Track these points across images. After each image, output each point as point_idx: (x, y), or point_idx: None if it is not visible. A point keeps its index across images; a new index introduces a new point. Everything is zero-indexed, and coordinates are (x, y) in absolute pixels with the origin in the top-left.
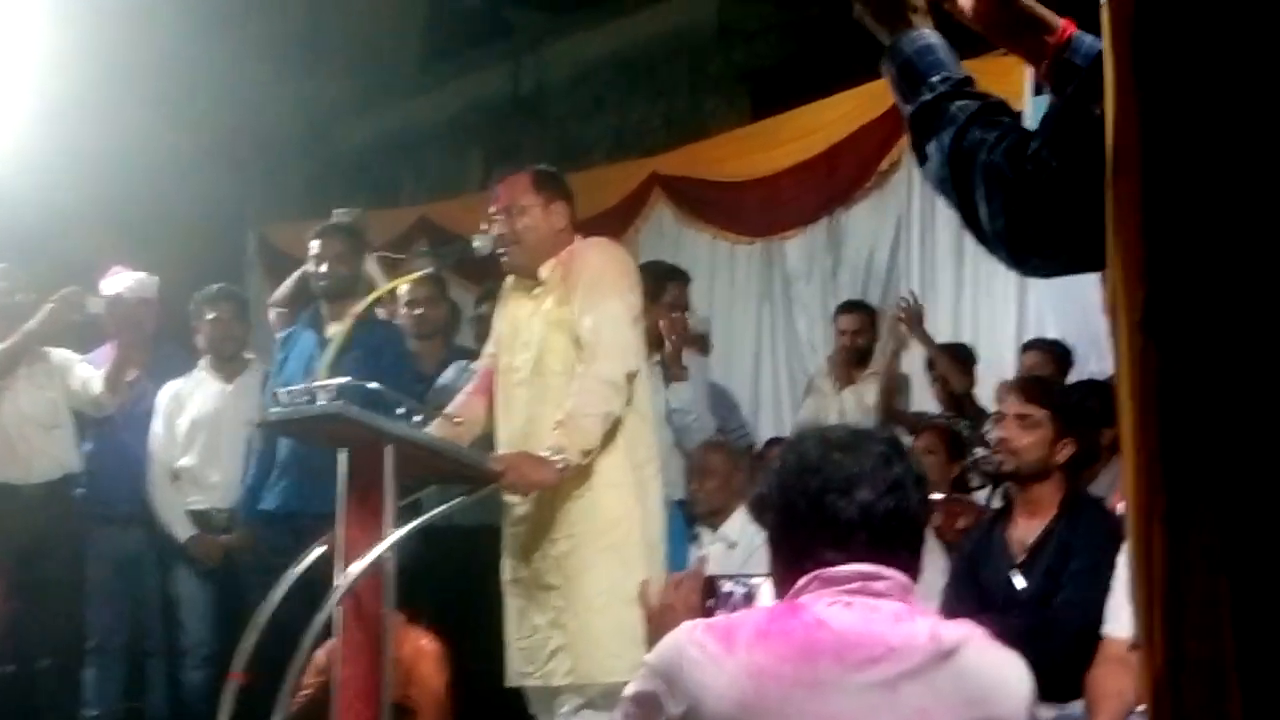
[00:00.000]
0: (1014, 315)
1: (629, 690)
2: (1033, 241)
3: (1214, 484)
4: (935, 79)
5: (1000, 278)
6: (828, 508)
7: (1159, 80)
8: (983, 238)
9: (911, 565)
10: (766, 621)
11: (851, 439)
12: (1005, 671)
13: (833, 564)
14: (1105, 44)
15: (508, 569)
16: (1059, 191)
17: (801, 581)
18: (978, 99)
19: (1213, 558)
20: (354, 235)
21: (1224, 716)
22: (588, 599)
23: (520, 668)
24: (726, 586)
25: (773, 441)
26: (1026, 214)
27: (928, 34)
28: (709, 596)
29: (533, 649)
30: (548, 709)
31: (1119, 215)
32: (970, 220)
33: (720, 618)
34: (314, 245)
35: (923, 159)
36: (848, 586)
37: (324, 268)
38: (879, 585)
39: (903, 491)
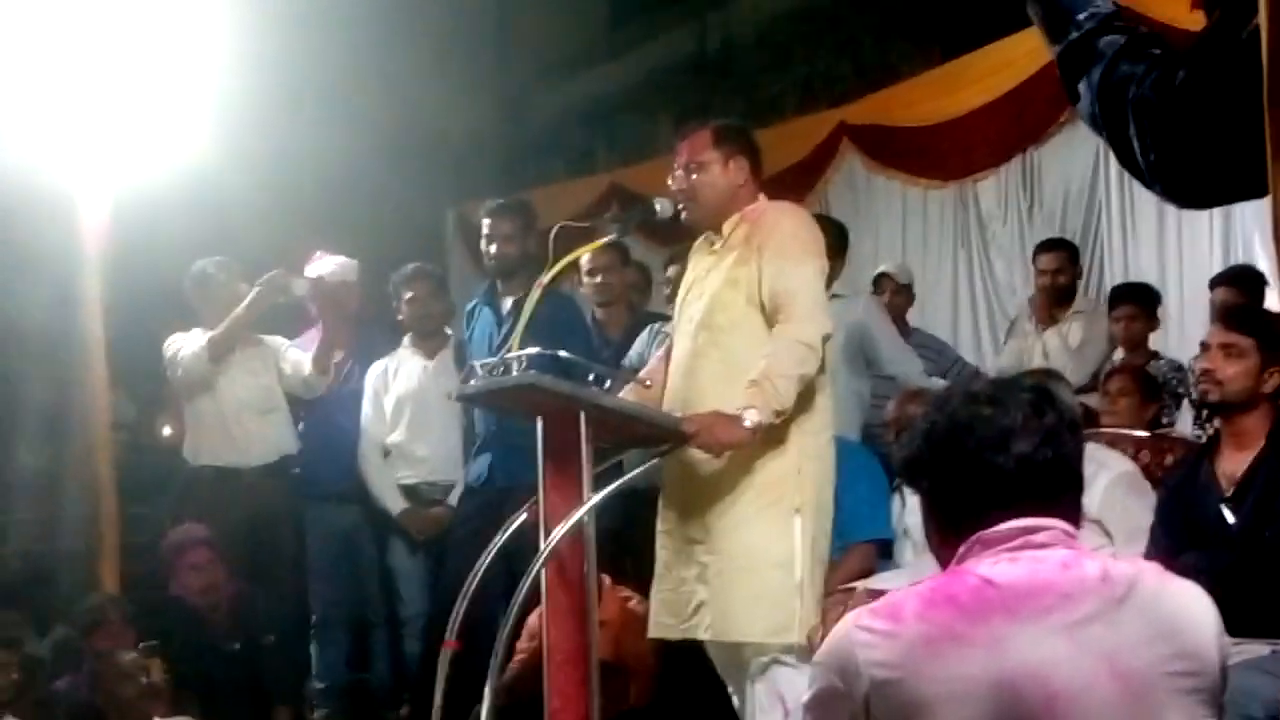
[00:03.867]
0: (1220, 244)
1: (806, 696)
2: (1187, 173)
3: None
4: (1082, 16)
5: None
6: (986, 464)
7: None
8: (1138, 174)
9: (1073, 511)
10: (931, 591)
11: (998, 391)
12: (1188, 601)
13: (995, 521)
14: None
15: (663, 520)
16: (1209, 120)
17: (962, 549)
18: (1125, 33)
19: None
20: (522, 213)
21: None
22: (733, 556)
23: (663, 619)
24: None
25: (910, 396)
26: (1178, 145)
27: None
28: None
29: (678, 602)
30: (725, 669)
31: (1276, 140)
32: (1124, 156)
33: (881, 600)
34: (484, 224)
35: (1074, 97)
36: (1009, 544)
37: (493, 247)
38: (1041, 537)
39: (1059, 439)
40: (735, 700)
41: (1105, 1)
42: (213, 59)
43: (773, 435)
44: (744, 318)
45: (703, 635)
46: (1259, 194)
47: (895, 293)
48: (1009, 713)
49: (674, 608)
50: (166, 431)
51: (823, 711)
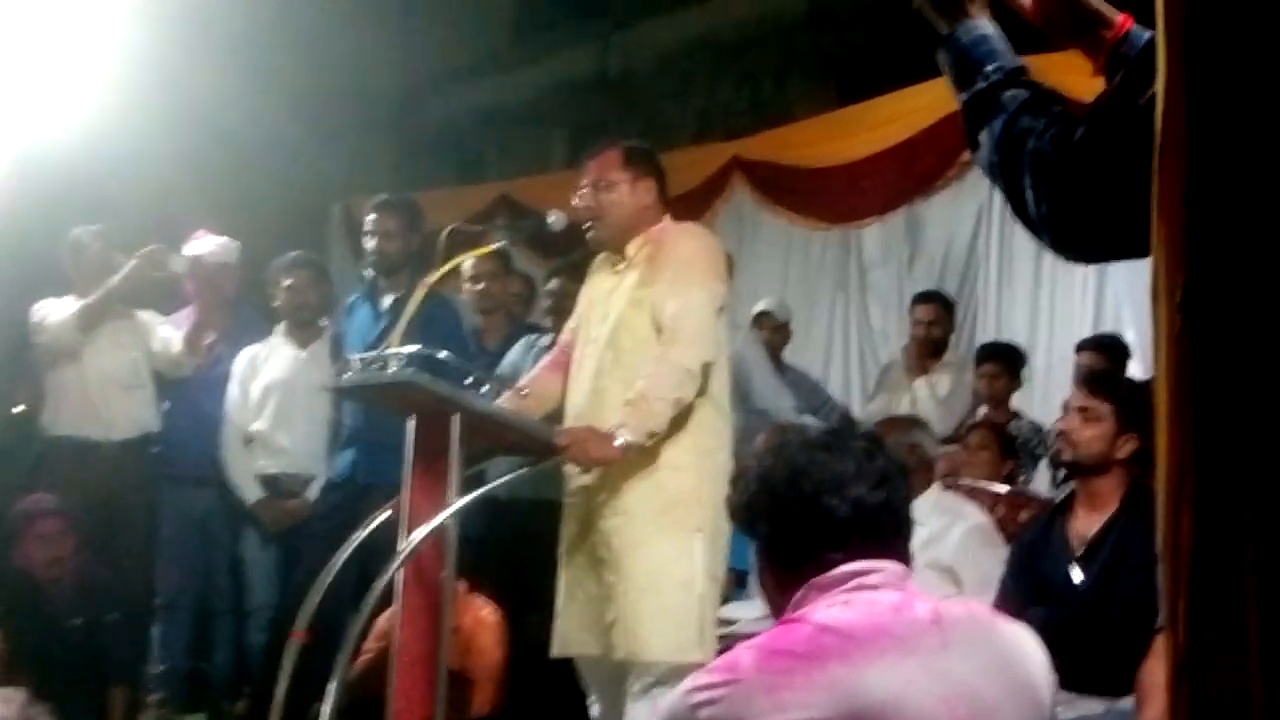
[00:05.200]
0: (1091, 310)
1: None
2: (1076, 227)
3: (1244, 467)
4: (989, 68)
5: (1078, 274)
6: (822, 508)
7: (1208, 67)
8: (1029, 223)
9: (904, 554)
10: (768, 641)
11: (832, 438)
12: (1020, 640)
13: (830, 564)
14: (1159, 31)
15: (564, 538)
16: (1101, 177)
17: (797, 595)
18: (1029, 88)
19: (1240, 542)
20: (407, 212)
21: (1246, 701)
22: (635, 577)
23: (579, 634)
24: None
25: (780, 431)
26: (1070, 199)
27: (984, 24)
28: None
29: (592, 617)
30: (601, 683)
31: (1163, 198)
32: (1017, 206)
33: (718, 659)
34: (369, 219)
35: (975, 146)
36: (843, 587)
37: (375, 242)
38: (874, 579)
39: (890, 484)
40: (594, 711)
41: (1013, 57)
42: (116, 19)
43: (672, 455)
44: (649, 338)
45: (618, 654)
46: (1142, 253)
47: (774, 330)
48: None
49: (588, 624)
50: (22, 407)
51: None
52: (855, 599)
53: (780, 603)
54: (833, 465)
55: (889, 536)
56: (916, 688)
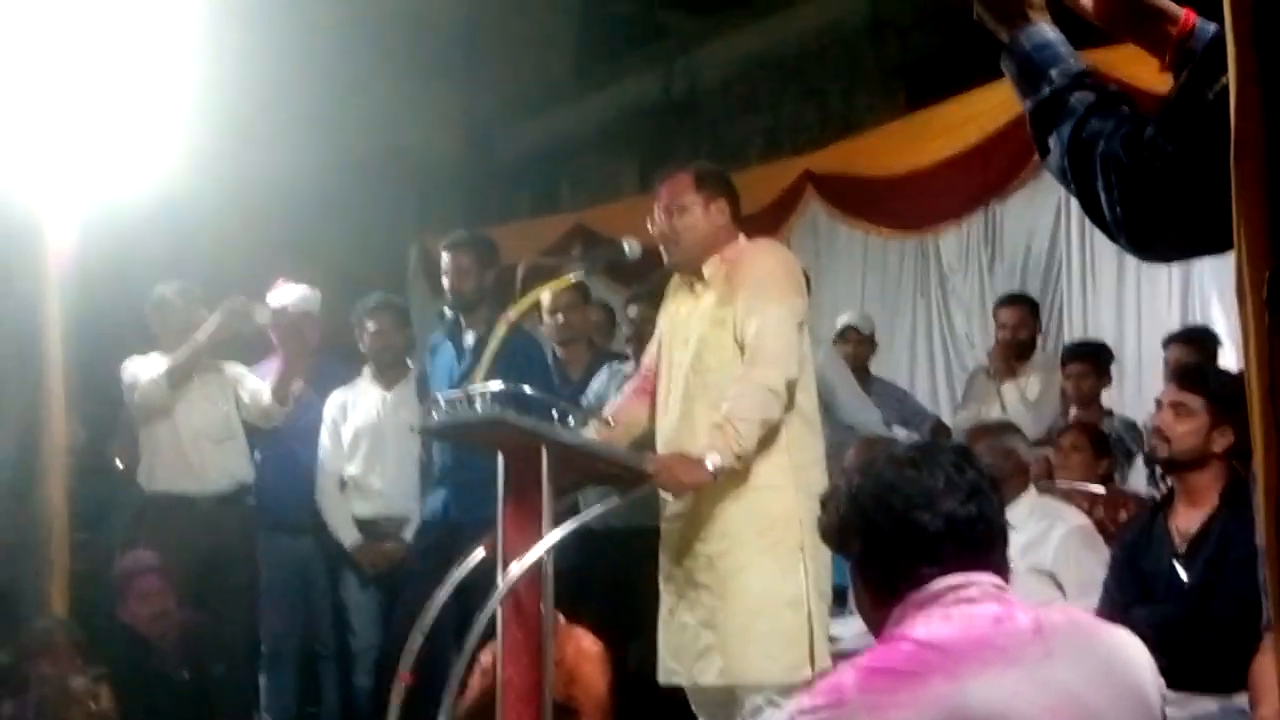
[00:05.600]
0: (1178, 305)
1: None
2: (1152, 227)
3: None
4: (1053, 73)
5: (1163, 266)
6: (914, 524)
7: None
8: (1104, 227)
9: (1001, 565)
10: (868, 662)
11: (920, 453)
12: (1124, 645)
13: (926, 579)
14: (1228, 27)
15: (662, 565)
16: (1175, 176)
17: (894, 613)
18: (1096, 90)
19: None
20: (480, 249)
21: None
22: (744, 600)
23: (670, 664)
24: None
25: (869, 444)
26: (1144, 200)
27: (1045, 29)
28: None
29: (682, 647)
30: (709, 707)
31: (1242, 196)
32: (1092, 210)
33: (820, 682)
34: (444, 259)
35: (1044, 152)
36: (941, 602)
37: (449, 281)
38: (971, 592)
39: (982, 495)
40: None
41: (1076, 60)
42: (184, 82)
43: (769, 475)
44: (733, 357)
45: (711, 680)
46: (1221, 249)
47: (859, 343)
48: None
49: (678, 653)
50: (119, 464)
51: None
52: (954, 613)
53: (877, 621)
54: (922, 480)
55: (983, 548)
56: (1021, 699)
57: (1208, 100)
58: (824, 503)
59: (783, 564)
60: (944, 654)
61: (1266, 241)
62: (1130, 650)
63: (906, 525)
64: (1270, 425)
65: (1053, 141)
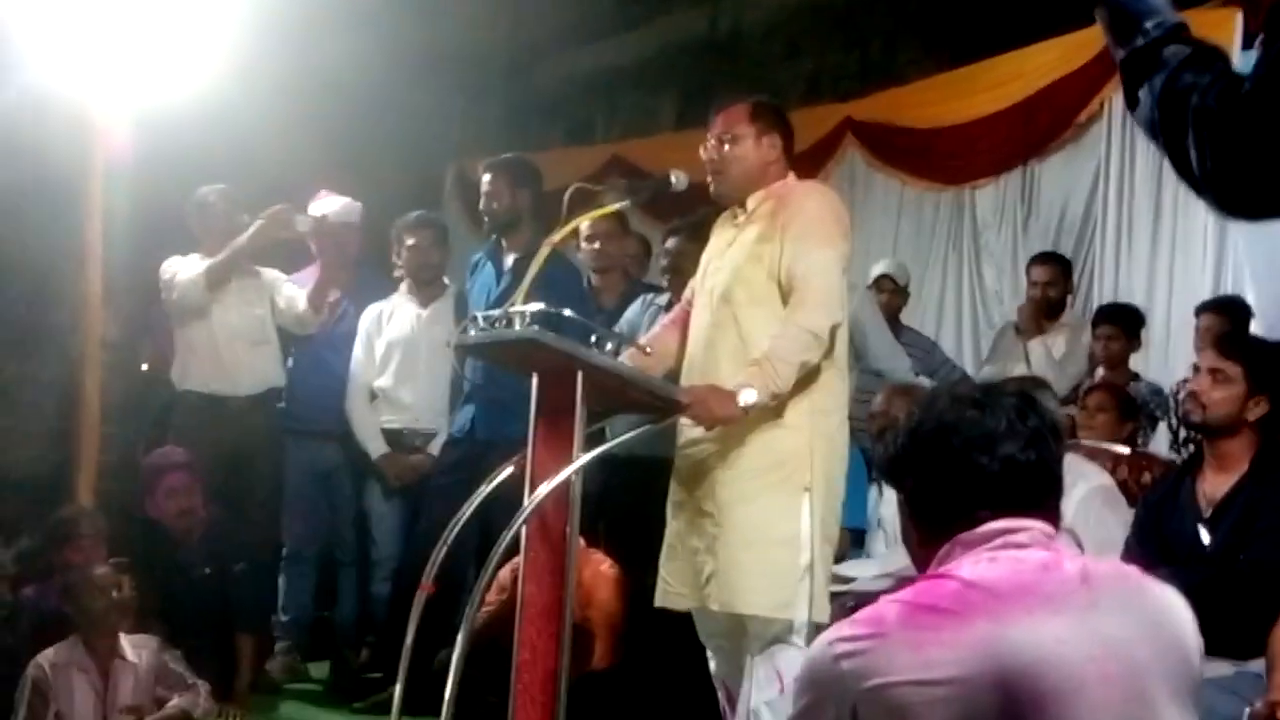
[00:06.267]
0: (1211, 273)
1: (791, 714)
2: (1242, 185)
3: None
4: (1149, 24)
5: (1198, 235)
6: (971, 465)
7: None
8: (1193, 182)
9: (1053, 514)
10: (913, 597)
11: (983, 395)
12: (1170, 600)
13: (979, 522)
14: None
15: (673, 492)
16: (1269, 133)
17: (942, 551)
18: (1191, 44)
19: None
20: (515, 171)
21: None
22: (740, 531)
23: (675, 588)
24: None
25: (897, 391)
26: (1237, 156)
27: None
28: None
29: (690, 572)
30: (718, 637)
31: None
32: (1180, 165)
33: (862, 610)
34: (483, 179)
35: (1133, 103)
36: (989, 545)
37: (482, 203)
38: (1021, 537)
39: (1042, 443)
40: (712, 665)
41: (1171, 12)
42: None
43: (786, 414)
44: (765, 294)
45: (712, 606)
46: None
47: (893, 293)
48: (999, 716)
49: (686, 578)
50: (144, 367)
51: None
52: (1001, 556)
53: (923, 558)
54: (984, 422)
55: (1040, 496)
56: (1065, 646)
57: None
58: (880, 435)
59: (785, 502)
60: (989, 595)
61: None
62: (1175, 607)
63: (964, 466)
64: None
65: (1143, 93)
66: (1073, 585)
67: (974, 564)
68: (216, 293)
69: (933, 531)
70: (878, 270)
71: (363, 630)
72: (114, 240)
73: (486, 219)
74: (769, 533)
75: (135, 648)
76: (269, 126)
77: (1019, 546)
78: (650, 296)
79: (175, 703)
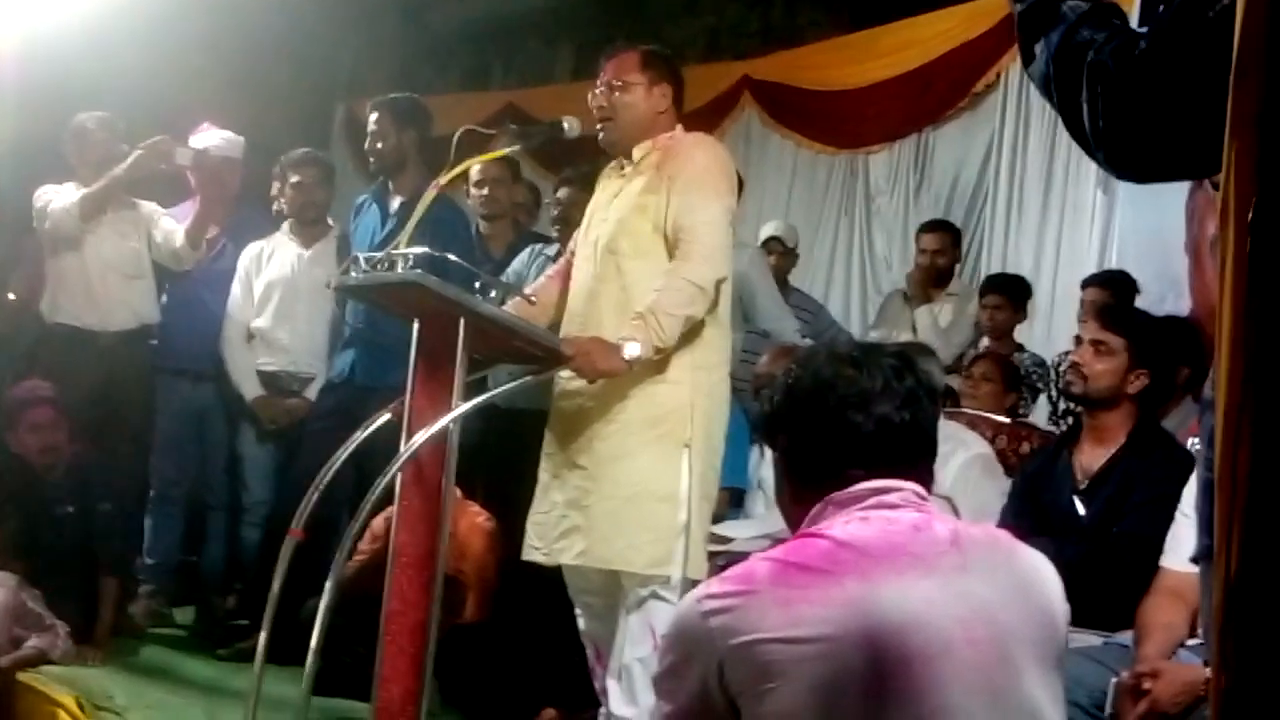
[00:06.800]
0: (1097, 247)
1: (656, 670)
2: (1134, 143)
3: None
4: None
5: (1086, 210)
6: (845, 423)
7: None
8: (1082, 139)
9: (927, 476)
10: (783, 554)
11: (862, 354)
12: (1039, 565)
13: (851, 481)
14: None
15: (546, 442)
16: (1164, 92)
17: (814, 510)
18: (1089, 0)
19: None
20: (402, 111)
21: None
22: (618, 486)
23: (531, 541)
24: None
25: (782, 352)
26: (1129, 114)
27: None
28: None
29: (545, 525)
30: (588, 593)
31: (1236, 116)
32: (1072, 121)
33: (732, 569)
34: (370, 119)
35: (1029, 58)
36: (862, 504)
37: (367, 143)
38: (893, 498)
39: (918, 404)
40: (581, 624)
41: None
42: None
43: (667, 369)
44: (650, 245)
45: (570, 560)
46: (1199, 174)
47: (782, 255)
48: (865, 674)
49: (542, 531)
50: (11, 296)
51: (675, 683)
52: (873, 516)
53: (796, 517)
54: (860, 381)
55: (914, 457)
56: (934, 607)
57: (1207, 18)
58: (758, 391)
59: (664, 458)
60: (860, 554)
61: (1255, 167)
62: (1044, 572)
63: (838, 423)
64: (1237, 349)
65: (1039, 48)
66: (943, 547)
67: (845, 523)
68: (91, 223)
69: (806, 489)
70: (766, 232)
71: (231, 576)
72: None
73: (371, 159)
74: (649, 488)
75: None
76: (153, 56)
77: (891, 507)
78: (539, 247)
79: (32, 643)
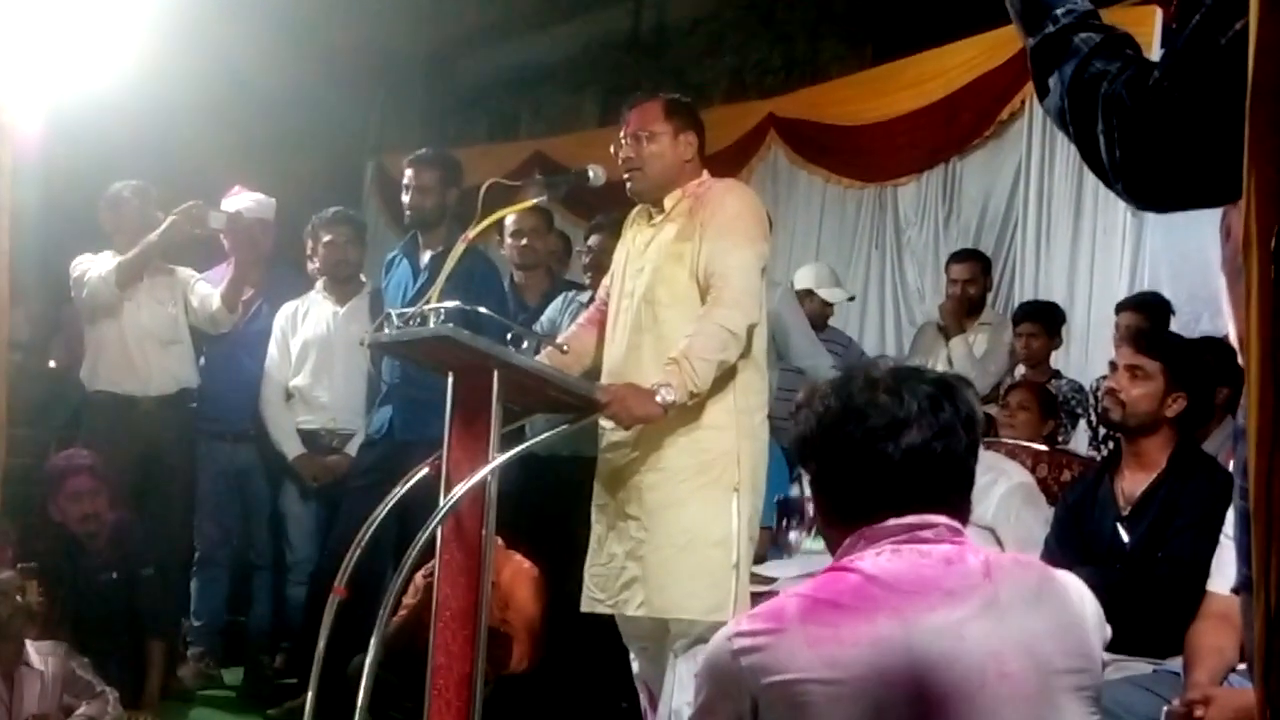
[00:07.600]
0: (1129, 271)
1: (692, 710)
2: (1151, 174)
3: None
4: (1059, 11)
5: (1117, 233)
6: (873, 453)
7: None
8: (1100, 172)
9: (961, 509)
10: (813, 590)
11: (898, 381)
12: (1073, 596)
13: (881, 512)
14: None
15: (596, 494)
16: (1179, 121)
17: (847, 542)
18: (1101, 31)
19: None
20: (443, 166)
21: None
22: (671, 535)
23: (593, 594)
24: None
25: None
26: (1145, 145)
27: None
28: None
29: (607, 576)
30: (641, 639)
31: (1255, 143)
32: (1089, 154)
33: (762, 605)
34: (407, 174)
35: (1043, 92)
36: (893, 538)
37: (409, 198)
38: (925, 533)
39: (952, 435)
40: (635, 667)
41: (1082, 1)
42: None
43: (710, 414)
44: (686, 292)
45: (633, 611)
46: (1220, 201)
47: (823, 305)
48: (905, 713)
49: (603, 583)
50: (52, 364)
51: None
52: (905, 549)
53: (834, 540)
54: (892, 409)
55: (946, 490)
56: (968, 643)
57: (1219, 46)
58: (794, 413)
59: (715, 504)
60: (890, 590)
61: (1274, 193)
62: (1078, 599)
63: (865, 453)
64: (1267, 380)
65: (1053, 81)
66: (975, 580)
67: (876, 555)
68: (128, 291)
69: (837, 516)
70: (805, 284)
71: (278, 635)
72: (23, 238)
73: (410, 213)
74: (701, 534)
75: (41, 655)
76: (183, 122)
77: (922, 541)
78: (572, 294)
79: (83, 710)
